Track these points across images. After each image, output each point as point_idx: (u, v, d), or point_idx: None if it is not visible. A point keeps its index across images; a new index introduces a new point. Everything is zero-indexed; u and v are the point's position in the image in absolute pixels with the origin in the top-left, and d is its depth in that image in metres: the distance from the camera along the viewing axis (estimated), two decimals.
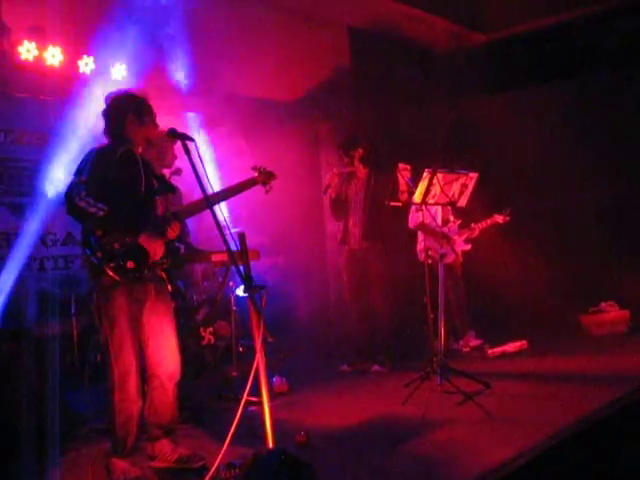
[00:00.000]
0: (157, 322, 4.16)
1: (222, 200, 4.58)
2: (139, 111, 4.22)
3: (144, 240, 4.03)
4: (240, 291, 5.98)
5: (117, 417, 4.02)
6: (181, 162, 5.27)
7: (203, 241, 7.10)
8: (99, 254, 3.89)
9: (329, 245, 9.02)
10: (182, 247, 5.69)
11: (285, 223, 8.67)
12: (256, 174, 4.98)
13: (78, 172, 3.94)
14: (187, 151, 3.75)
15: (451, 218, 7.63)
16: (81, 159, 4.02)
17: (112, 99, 4.27)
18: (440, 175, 5.92)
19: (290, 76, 8.42)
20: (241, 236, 3.96)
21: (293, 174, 7.87)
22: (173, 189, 4.41)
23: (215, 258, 6.26)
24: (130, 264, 3.94)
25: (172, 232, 4.17)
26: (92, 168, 3.94)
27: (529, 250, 8.44)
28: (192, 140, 3.84)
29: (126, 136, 4.19)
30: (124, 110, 4.20)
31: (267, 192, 4.88)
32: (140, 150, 4.28)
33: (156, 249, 4.07)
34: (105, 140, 4.23)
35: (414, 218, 7.28)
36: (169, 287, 4.24)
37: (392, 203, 6.47)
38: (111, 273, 3.91)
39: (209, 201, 3.66)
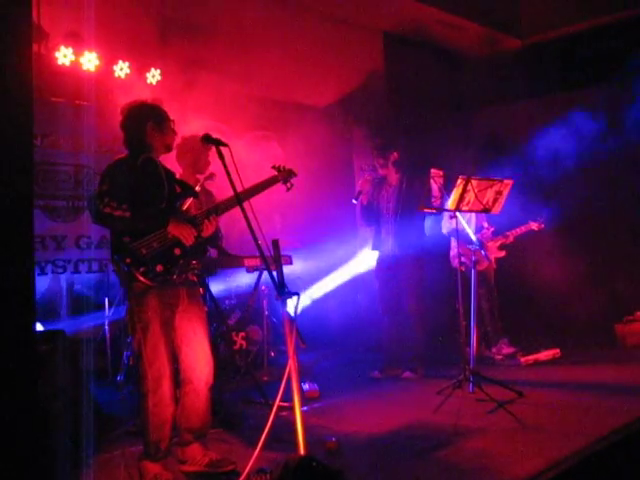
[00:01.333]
0: (190, 326, 4.18)
1: (246, 198, 4.54)
2: (158, 119, 4.29)
3: (173, 227, 4.07)
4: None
5: (150, 421, 4.03)
6: (215, 167, 5.44)
7: (235, 246, 7.08)
8: (128, 260, 3.93)
9: (361, 252, 8.99)
10: (215, 251, 5.98)
11: (318, 229, 8.69)
12: (276, 172, 4.90)
13: (101, 182, 4.01)
14: (221, 156, 3.80)
15: (485, 224, 7.62)
16: (103, 171, 4.10)
17: (129, 110, 4.32)
18: (474, 182, 5.93)
19: (324, 81, 8.47)
20: (274, 242, 3.94)
21: (326, 179, 8.14)
22: (196, 193, 4.41)
23: (248, 263, 6.49)
24: (159, 267, 3.98)
25: (208, 228, 4.22)
26: (114, 177, 4.02)
27: (563, 257, 8.35)
28: (226, 145, 3.91)
29: (146, 144, 4.25)
30: (143, 119, 4.25)
31: (288, 190, 4.79)
32: (158, 156, 4.35)
33: (186, 235, 4.09)
34: (125, 152, 4.29)
35: (447, 224, 7.28)
36: (201, 291, 4.29)
37: (425, 209, 6.48)
38: (142, 278, 3.95)
39: (239, 198, 3.76)
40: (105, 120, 6.92)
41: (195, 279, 4.30)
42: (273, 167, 4.77)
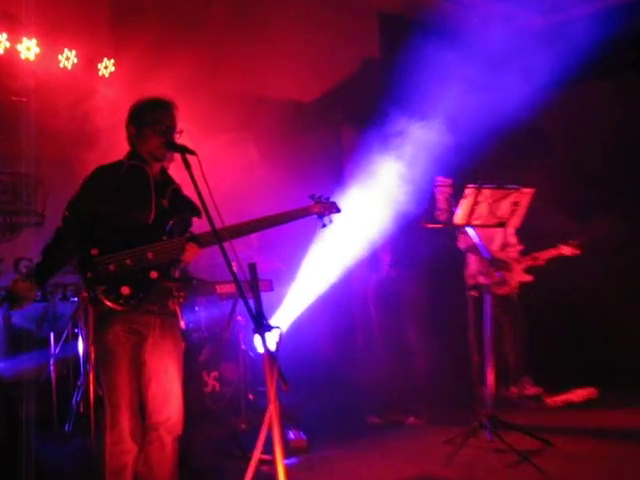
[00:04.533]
0: (161, 363, 4.24)
1: (259, 230, 4.65)
2: (137, 121, 4.39)
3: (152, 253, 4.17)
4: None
5: (108, 465, 4.07)
6: (179, 178, 5.46)
7: (204, 269, 7.28)
8: (89, 274, 4.03)
9: (355, 272, 8.80)
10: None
11: (303, 245, 8.09)
12: (312, 203, 5.00)
13: (69, 199, 4.22)
14: (188, 166, 3.89)
15: (511, 241, 7.71)
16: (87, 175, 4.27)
17: (129, 109, 4.48)
18: (486, 191, 5.98)
19: (307, 72, 8.60)
20: (251, 267, 3.98)
21: (312, 188, 7.79)
22: (199, 212, 4.42)
23: (220, 290, 6.62)
24: (125, 289, 4.06)
25: (188, 254, 4.29)
26: (87, 186, 4.22)
27: (602, 277, 8.29)
28: (193, 153, 4.01)
29: (135, 151, 4.40)
30: (128, 121, 4.42)
31: (324, 227, 4.93)
32: (156, 168, 4.42)
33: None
34: None
35: (466, 238, 7.23)
36: (182, 324, 4.37)
37: (428, 225, 6.56)
38: (103, 299, 4.03)
39: (216, 232, 3.80)
40: (47, 119, 7.15)
41: (177, 309, 4.37)
42: (311, 197, 4.89)
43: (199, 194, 3.75)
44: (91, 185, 4.22)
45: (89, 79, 7.91)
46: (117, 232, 4.15)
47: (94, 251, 4.07)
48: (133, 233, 4.18)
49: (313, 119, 9.19)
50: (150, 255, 4.15)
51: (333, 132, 9.64)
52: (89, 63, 8.01)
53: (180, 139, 4.29)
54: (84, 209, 4.15)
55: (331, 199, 5.08)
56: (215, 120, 8.12)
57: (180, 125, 4.38)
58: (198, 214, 4.42)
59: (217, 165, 7.23)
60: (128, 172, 4.28)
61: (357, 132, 9.18)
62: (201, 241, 4.29)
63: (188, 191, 4.35)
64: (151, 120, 4.34)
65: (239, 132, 8.95)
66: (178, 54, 7.55)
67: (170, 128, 4.31)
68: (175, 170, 4.52)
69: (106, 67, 8.09)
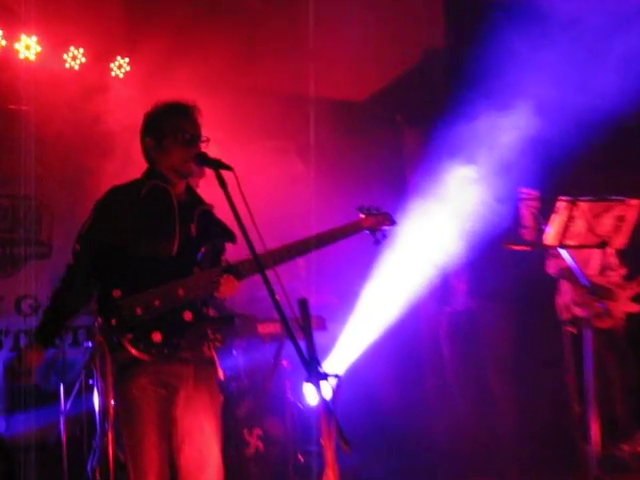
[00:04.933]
0: (195, 420, 4.20)
1: (303, 253, 4.59)
2: (157, 132, 4.37)
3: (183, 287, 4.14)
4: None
5: None
6: (211, 196, 5.30)
7: (243, 304, 7.22)
8: (114, 321, 3.98)
9: (423, 305, 8.54)
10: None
11: (361, 274, 8.24)
12: (362, 216, 5.02)
13: (88, 217, 4.24)
14: (223, 185, 3.84)
15: (612, 263, 7.64)
16: (98, 199, 4.28)
17: (143, 118, 4.49)
18: (584, 205, 5.91)
19: (360, 64, 8.56)
20: (302, 303, 4.04)
21: (368, 203, 7.85)
22: (233, 237, 4.46)
23: (263, 329, 6.63)
24: (157, 336, 4.04)
25: (225, 289, 4.28)
26: (100, 213, 4.21)
27: None
28: (229, 168, 3.96)
29: (156, 167, 4.40)
30: (143, 132, 4.41)
31: (377, 243, 4.97)
32: (180, 187, 4.42)
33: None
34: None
35: (558, 261, 7.19)
36: (220, 373, 4.35)
37: (513, 246, 6.52)
38: (131, 348, 3.99)
39: (258, 259, 3.77)
40: (51, 130, 7.15)
41: (213, 355, 4.35)
42: (359, 209, 4.89)
43: (237, 217, 3.71)
44: (105, 211, 4.21)
45: (100, 81, 7.84)
46: (140, 267, 4.12)
47: (116, 293, 4.03)
48: (159, 267, 4.16)
49: (368, 121, 9.12)
50: (181, 292, 4.12)
51: (393, 136, 9.59)
52: (100, 62, 7.98)
53: (207, 149, 4.29)
54: (98, 241, 4.15)
55: (383, 210, 5.12)
56: (249, 125, 8.12)
57: (205, 132, 4.38)
58: (232, 239, 4.44)
59: (253, 179, 7.20)
60: (148, 194, 4.26)
61: (421, 135, 9.20)
62: (240, 271, 4.28)
63: (221, 211, 4.32)
64: (172, 129, 4.33)
65: (279, 139, 8.94)
66: (205, 47, 7.56)
67: (195, 137, 4.31)
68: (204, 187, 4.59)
69: (120, 66, 8.06)
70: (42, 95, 7.36)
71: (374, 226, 4.95)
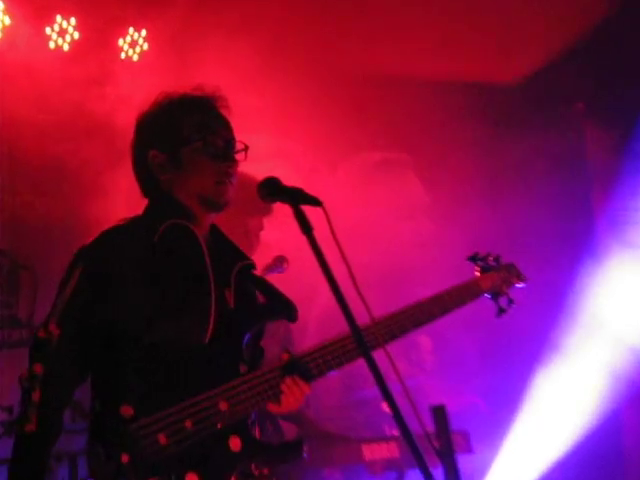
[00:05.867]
0: None
1: (412, 326, 3.89)
2: (170, 138, 3.74)
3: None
4: None
5: None
6: (287, 241, 5.09)
7: (335, 415, 6.76)
8: (126, 458, 3.27)
9: (626, 408, 7.80)
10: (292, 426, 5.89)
11: (518, 362, 7.46)
12: (476, 270, 4.36)
13: (60, 286, 3.50)
14: (305, 226, 3.13)
15: None
16: (72, 258, 3.57)
17: (137, 122, 3.87)
18: None
19: (506, 37, 7.46)
20: (437, 411, 4.09)
21: (526, 247, 7.10)
22: (292, 311, 3.73)
23: (371, 454, 6.00)
24: (191, 478, 3.38)
25: (291, 400, 3.58)
26: (86, 278, 3.46)
27: None
28: (317, 204, 3.26)
29: (170, 197, 3.76)
30: (144, 144, 3.74)
31: (501, 314, 4.23)
32: (205, 225, 3.82)
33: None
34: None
35: None
36: None
37: None
38: None
39: (361, 340, 3.15)
40: (29, 142, 6.32)
41: None
42: (471, 259, 4.40)
43: (330, 277, 3.02)
44: (96, 271, 3.49)
45: (103, 67, 6.61)
46: (158, 365, 3.40)
47: (126, 410, 3.28)
48: (185, 364, 3.47)
49: (524, 115, 7.95)
50: (223, 406, 3.43)
51: (567, 138, 8.37)
52: (101, 39, 6.76)
53: (272, 170, 3.57)
54: (88, 321, 3.41)
55: (503, 260, 4.53)
56: (340, 131, 7.24)
57: (271, 142, 5.55)
58: (291, 315, 3.75)
59: (348, 213, 6.45)
60: (164, 240, 3.55)
61: (612, 139, 8.27)
62: (313, 372, 3.59)
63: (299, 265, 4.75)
64: (196, 131, 3.73)
65: (387, 149, 8.05)
66: (267, 13, 6.70)
67: (230, 144, 3.75)
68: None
69: (133, 44, 6.91)
70: (14, 89, 6.42)
71: (494, 287, 4.32)
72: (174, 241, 3.60)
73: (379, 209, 7.50)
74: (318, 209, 3.26)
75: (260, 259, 5.10)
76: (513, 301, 4.29)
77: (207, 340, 3.54)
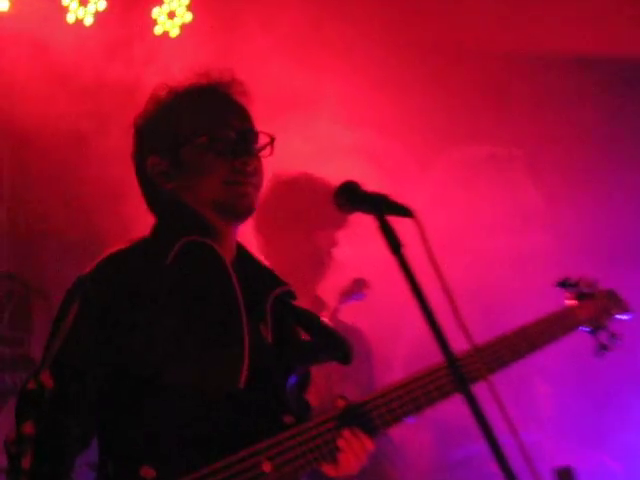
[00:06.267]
0: None
1: (509, 360, 3.32)
2: (169, 142, 3.34)
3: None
4: None
5: None
6: (365, 261, 5.32)
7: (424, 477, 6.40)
8: None
9: None
10: None
11: None
12: (568, 297, 3.84)
13: (47, 345, 3.03)
14: (394, 243, 2.73)
15: None
16: (68, 290, 3.05)
17: (134, 124, 3.38)
18: None
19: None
20: (563, 475, 4.07)
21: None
22: (345, 351, 3.31)
23: None
24: None
25: (351, 458, 3.16)
26: (86, 313, 3.06)
27: None
28: (408, 215, 2.82)
29: (183, 209, 3.35)
30: (144, 147, 3.32)
31: (600, 352, 3.76)
32: (231, 241, 3.38)
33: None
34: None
35: None
36: None
37: None
38: None
39: (463, 380, 2.64)
40: (42, 143, 5.88)
41: None
42: (561, 284, 3.87)
43: (422, 303, 2.59)
44: (100, 305, 3.06)
45: (133, 45, 5.98)
46: (183, 415, 3.04)
47: (147, 472, 2.93)
48: (216, 414, 3.12)
49: None
50: (267, 467, 3.04)
51: None
52: (132, 11, 6.07)
53: (344, 169, 4.21)
54: (89, 367, 3.04)
55: (598, 284, 3.90)
56: (433, 121, 6.53)
57: (346, 134, 5.45)
58: (346, 356, 3.35)
59: (446, 224, 5.98)
60: (180, 263, 3.15)
61: None
62: (375, 422, 3.23)
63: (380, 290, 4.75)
64: (199, 125, 3.33)
65: (493, 143, 7.24)
66: None
67: (247, 134, 3.30)
68: None
69: (172, 14, 6.21)
70: (27, 76, 5.83)
71: (596, 319, 3.80)
72: (192, 263, 3.26)
73: (483, 218, 6.72)
74: (408, 220, 2.84)
75: (333, 283, 5.02)
76: (616, 335, 3.90)
77: (242, 384, 3.16)
